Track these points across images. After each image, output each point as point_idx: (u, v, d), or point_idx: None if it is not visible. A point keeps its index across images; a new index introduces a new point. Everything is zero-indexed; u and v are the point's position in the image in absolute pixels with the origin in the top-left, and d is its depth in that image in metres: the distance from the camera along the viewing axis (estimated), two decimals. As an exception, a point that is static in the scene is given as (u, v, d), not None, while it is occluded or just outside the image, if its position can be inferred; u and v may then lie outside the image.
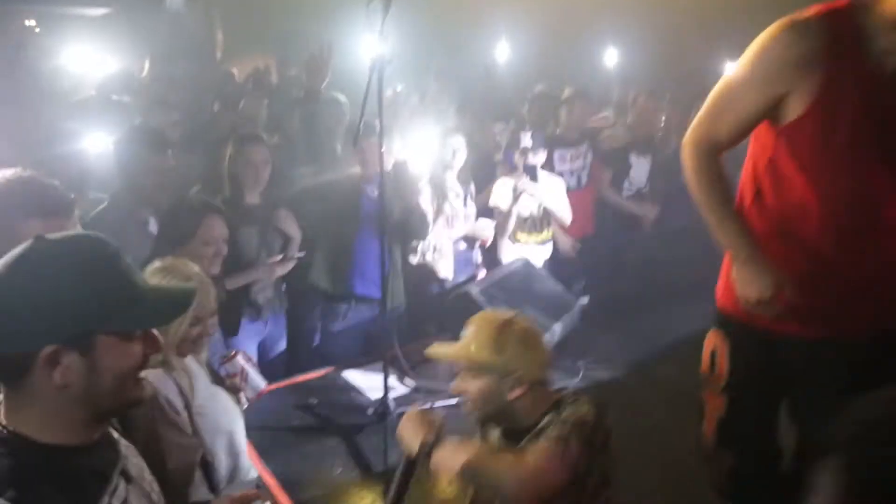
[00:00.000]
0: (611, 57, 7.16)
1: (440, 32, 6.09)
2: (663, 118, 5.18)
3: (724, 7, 7.54)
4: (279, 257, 3.31)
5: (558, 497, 1.63)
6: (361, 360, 3.28)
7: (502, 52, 6.74)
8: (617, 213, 4.84)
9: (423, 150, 3.90)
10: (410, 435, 1.76)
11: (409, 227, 3.59)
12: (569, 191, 4.39)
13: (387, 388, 2.77)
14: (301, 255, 3.39)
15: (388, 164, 3.32)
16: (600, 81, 6.90)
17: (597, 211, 4.81)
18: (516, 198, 4.10)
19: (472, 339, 1.82)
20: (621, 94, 6.37)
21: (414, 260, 3.88)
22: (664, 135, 5.12)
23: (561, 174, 4.43)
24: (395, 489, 1.74)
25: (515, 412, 1.80)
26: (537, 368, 1.82)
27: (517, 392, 1.78)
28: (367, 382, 3.05)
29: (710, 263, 2.24)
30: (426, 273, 3.93)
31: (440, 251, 3.95)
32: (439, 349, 1.92)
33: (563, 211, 4.25)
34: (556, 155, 4.54)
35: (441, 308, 3.63)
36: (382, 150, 2.66)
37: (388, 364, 2.79)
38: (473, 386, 1.82)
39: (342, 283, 3.52)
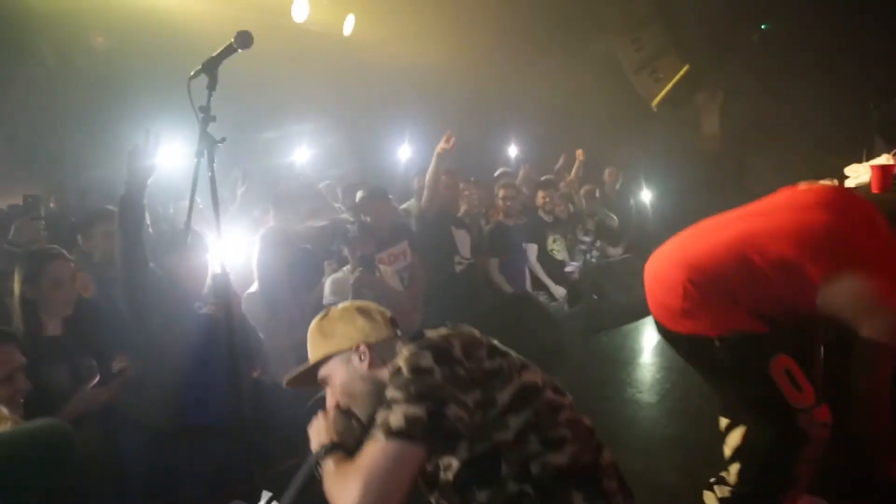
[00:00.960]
0: (405, 152, 7.33)
1: (239, 129, 5.82)
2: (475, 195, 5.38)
3: (491, 102, 8.28)
4: (95, 379, 2.76)
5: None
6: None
7: (304, 151, 6.62)
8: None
9: (246, 256, 3.57)
10: (313, 436, 1.70)
11: (246, 346, 3.19)
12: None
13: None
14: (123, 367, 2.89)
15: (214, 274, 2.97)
16: (399, 174, 7.03)
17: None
18: (356, 291, 3.87)
19: (309, 348, 1.81)
20: (420, 183, 6.56)
21: (253, 375, 3.44)
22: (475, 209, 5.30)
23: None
24: (293, 489, 1.66)
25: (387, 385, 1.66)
26: (372, 329, 1.75)
27: (367, 361, 1.69)
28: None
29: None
30: (268, 389, 3.50)
31: (282, 362, 3.56)
32: (290, 374, 1.86)
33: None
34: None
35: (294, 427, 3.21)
36: (217, 256, 2.45)
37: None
38: (335, 389, 1.75)
39: (177, 415, 2.96)
